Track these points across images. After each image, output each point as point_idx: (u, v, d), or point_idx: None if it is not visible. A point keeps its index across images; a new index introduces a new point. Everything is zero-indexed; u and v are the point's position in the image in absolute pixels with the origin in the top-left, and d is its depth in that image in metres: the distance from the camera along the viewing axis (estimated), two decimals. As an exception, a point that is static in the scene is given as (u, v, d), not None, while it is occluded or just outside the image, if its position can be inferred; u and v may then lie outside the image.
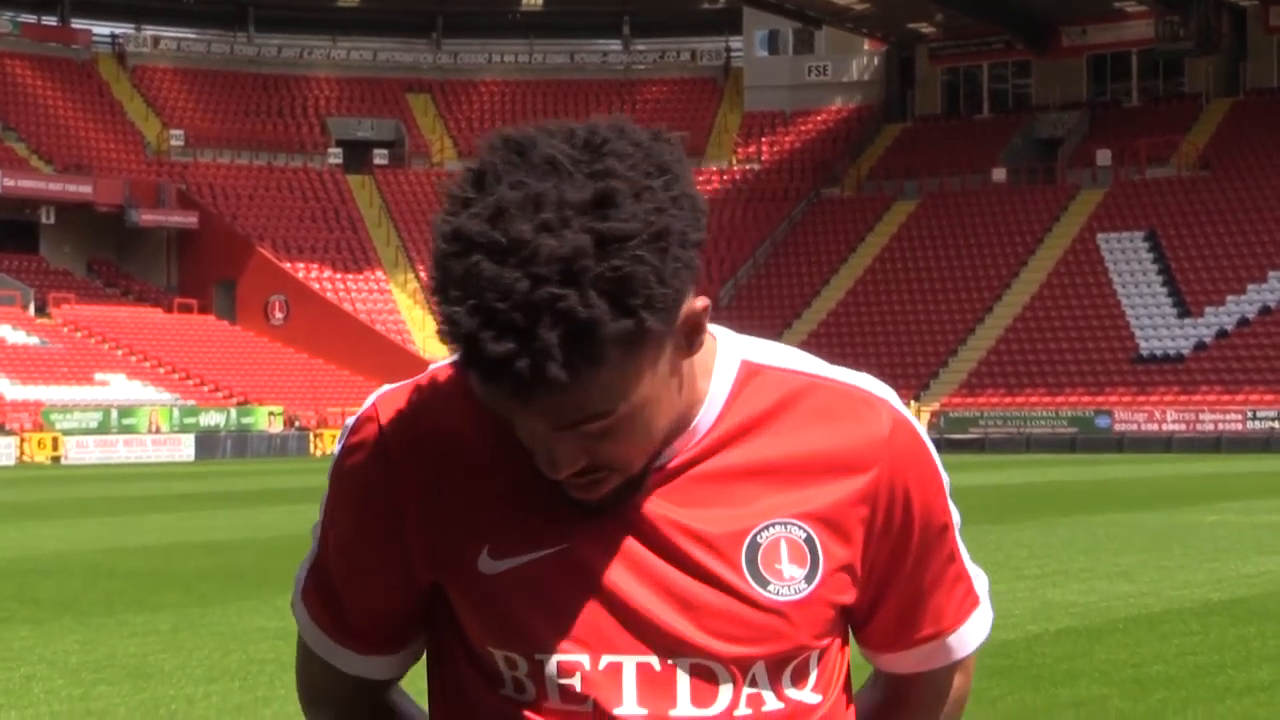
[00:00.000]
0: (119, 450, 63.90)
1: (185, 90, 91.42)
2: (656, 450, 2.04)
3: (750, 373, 2.12)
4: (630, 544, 2.06)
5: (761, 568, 2.07)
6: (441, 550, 2.10)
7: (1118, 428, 66.49)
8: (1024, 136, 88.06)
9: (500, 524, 2.08)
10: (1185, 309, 72.45)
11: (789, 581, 2.07)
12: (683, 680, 2.06)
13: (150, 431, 65.93)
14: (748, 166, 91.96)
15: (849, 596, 2.13)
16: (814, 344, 76.83)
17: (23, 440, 62.22)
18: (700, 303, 1.98)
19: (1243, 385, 67.25)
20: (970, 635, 2.28)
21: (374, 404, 2.16)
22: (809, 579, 2.08)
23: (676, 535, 2.06)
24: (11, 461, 60.48)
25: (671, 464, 2.07)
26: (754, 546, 2.07)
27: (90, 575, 18.96)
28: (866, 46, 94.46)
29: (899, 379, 73.26)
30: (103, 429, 65.13)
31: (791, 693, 2.10)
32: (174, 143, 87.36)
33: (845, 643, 2.20)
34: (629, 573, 2.05)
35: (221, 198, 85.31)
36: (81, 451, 62.91)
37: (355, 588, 2.18)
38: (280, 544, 22.66)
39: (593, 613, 2.05)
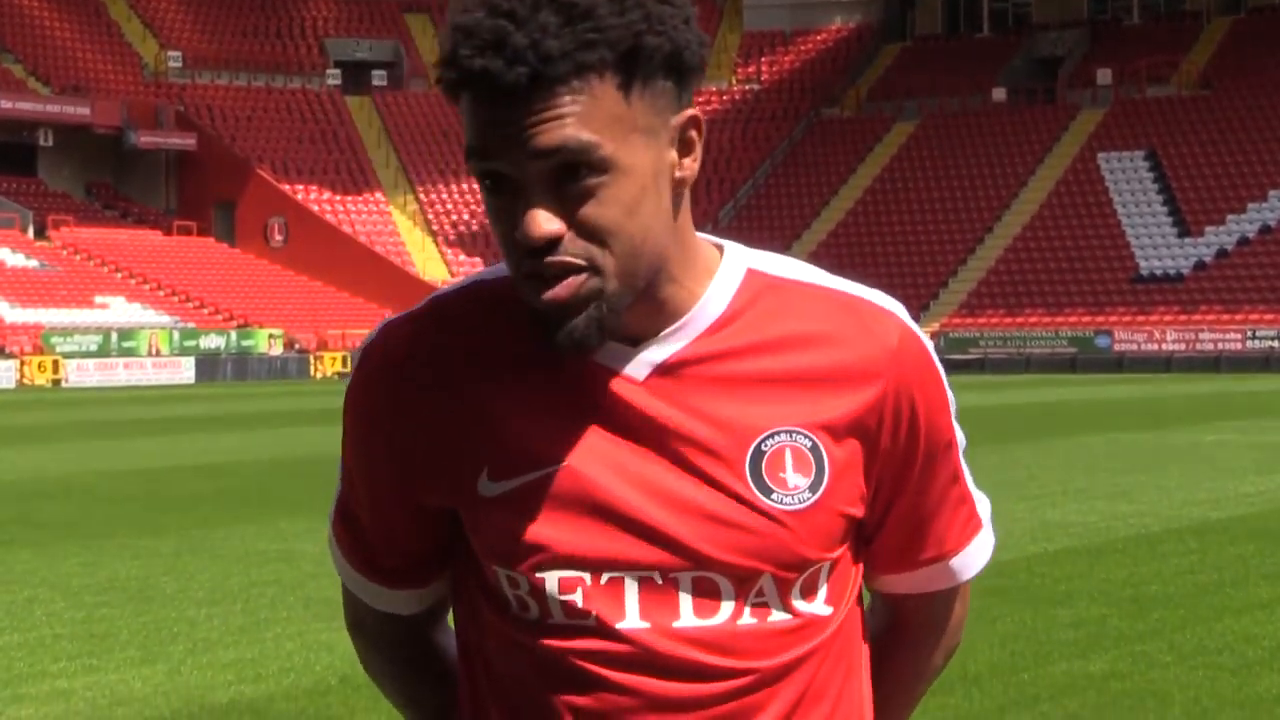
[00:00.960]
0: (119, 373, 63.93)
1: (182, 11, 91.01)
2: (642, 266, 2.02)
3: (756, 280, 2.13)
4: (630, 456, 2.06)
5: (766, 476, 2.06)
6: (445, 473, 2.12)
7: (1117, 347, 66.51)
8: (1024, 56, 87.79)
9: (499, 445, 2.08)
10: (1185, 228, 72.37)
11: (793, 490, 2.06)
12: (685, 592, 2.06)
13: (150, 354, 65.93)
14: (747, 86, 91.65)
15: (856, 509, 2.12)
16: (814, 265, 76.74)
17: (23, 363, 62.24)
18: (692, 111, 2.04)
19: (1242, 305, 67.25)
20: (973, 558, 2.28)
21: (376, 334, 2.18)
22: (814, 488, 2.07)
23: (679, 443, 2.06)
24: (12, 385, 60.52)
25: (670, 359, 2.07)
26: (759, 454, 2.06)
27: (91, 498, 19.01)
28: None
29: (899, 299, 73.03)
30: (103, 352, 65.13)
31: (801, 605, 2.10)
32: (171, 64, 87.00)
33: (857, 558, 2.19)
34: (629, 486, 2.05)
35: (220, 119, 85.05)
36: (82, 374, 62.94)
37: (374, 519, 2.21)
38: (281, 467, 22.72)
39: (592, 529, 2.05)
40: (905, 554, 2.22)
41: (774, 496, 2.06)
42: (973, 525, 2.27)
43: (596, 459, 2.06)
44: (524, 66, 1.93)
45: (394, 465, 2.15)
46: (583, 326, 2.00)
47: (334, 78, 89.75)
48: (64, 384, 62.12)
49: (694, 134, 2.05)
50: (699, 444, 2.06)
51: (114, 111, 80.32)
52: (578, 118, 1.95)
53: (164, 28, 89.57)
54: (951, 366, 66.49)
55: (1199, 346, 65.23)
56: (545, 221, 1.97)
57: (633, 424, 2.06)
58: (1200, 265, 70.27)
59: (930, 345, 2.18)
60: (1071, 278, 71.89)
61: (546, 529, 2.06)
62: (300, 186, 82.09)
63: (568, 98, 1.95)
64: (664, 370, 2.07)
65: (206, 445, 27.34)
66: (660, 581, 2.06)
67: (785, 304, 2.12)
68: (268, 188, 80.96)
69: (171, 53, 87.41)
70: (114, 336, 65.87)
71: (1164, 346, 65.75)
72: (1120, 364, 64.60)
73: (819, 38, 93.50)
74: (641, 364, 2.07)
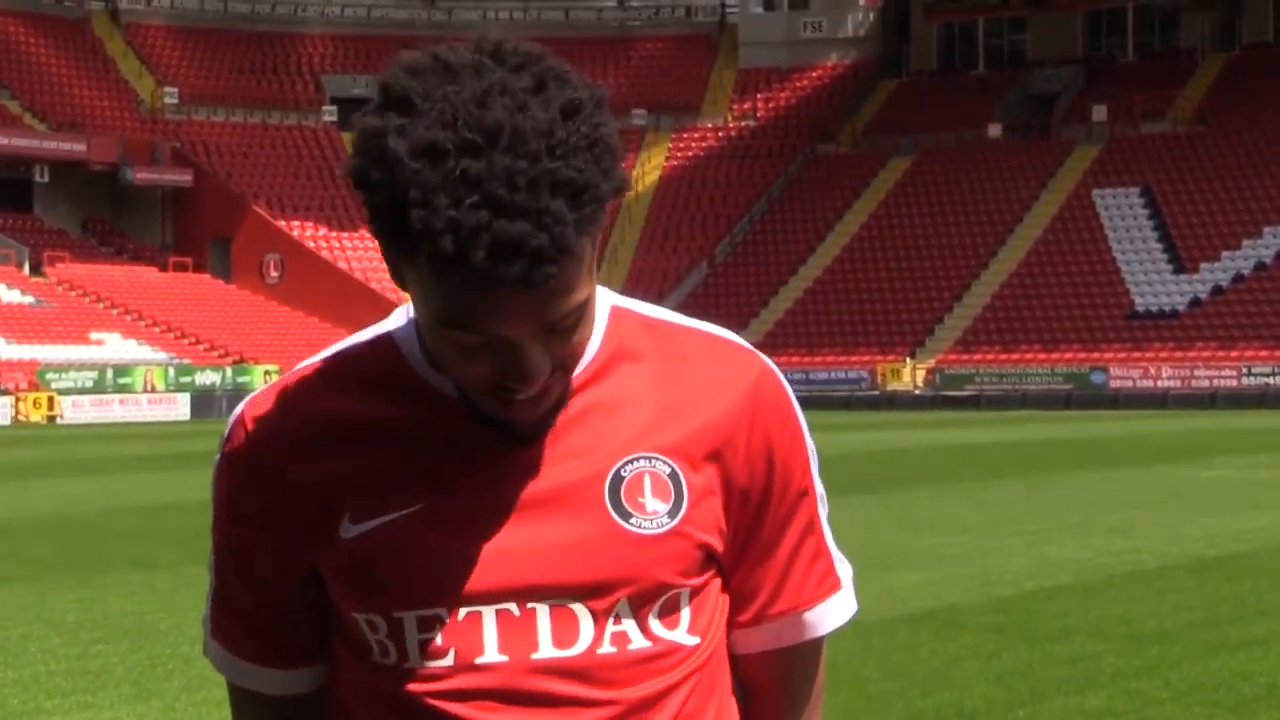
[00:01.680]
0: (114, 409, 63.90)
1: (179, 48, 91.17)
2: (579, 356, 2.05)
3: (620, 316, 2.15)
4: (489, 492, 2.06)
5: (625, 500, 2.06)
6: (310, 526, 2.10)
7: (1113, 384, 66.51)
8: (1019, 92, 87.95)
9: (360, 493, 2.08)
10: (1180, 265, 72.43)
11: (651, 515, 2.07)
12: (543, 622, 2.05)
13: (145, 391, 65.90)
14: (743, 123, 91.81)
15: (714, 539, 2.11)
16: (809, 301, 76.85)
17: (18, 400, 62.20)
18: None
19: (1237, 341, 67.27)
20: (827, 616, 2.23)
21: (239, 410, 2.18)
22: (672, 514, 2.07)
23: (540, 476, 2.06)
24: (7, 421, 60.47)
25: None
26: (618, 479, 2.07)
27: (87, 534, 18.98)
28: (862, 2, 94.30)
29: (894, 336, 73.30)
30: (98, 388, 65.10)
31: (661, 632, 2.09)
32: (168, 100, 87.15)
33: (725, 589, 2.18)
34: (486, 521, 2.05)
35: (216, 156, 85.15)
36: (77, 411, 62.90)
37: (257, 597, 2.19)
38: (276, 502, 22.66)
39: (449, 566, 2.05)
40: (756, 603, 2.20)
41: (633, 521, 2.06)
42: (829, 583, 2.23)
43: (455, 498, 2.06)
44: (551, 265, 1.87)
45: (267, 532, 2.13)
46: (540, 423, 2.05)
47: (330, 114, 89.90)
48: (59, 420, 62.07)
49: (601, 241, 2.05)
50: (559, 474, 2.06)
51: (110, 148, 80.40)
52: (580, 282, 1.94)
53: (160, 64, 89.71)
54: (947, 403, 66.60)
55: (1194, 383, 65.23)
56: (542, 370, 1.97)
57: (494, 463, 2.07)
58: (1195, 302, 70.31)
59: (790, 392, 2.19)
60: (1067, 314, 71.92)
61: (403, 568, 2.06)
62: (296, 222, 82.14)
63: (573, 269, 1.92)
64: None
65: (201, 481, 27.12)
66: (518, 613, 2.05)
67: (649, 342, 2.14)
68: (264, 224, 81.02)
69: (168, 89, 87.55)
70: (109, 373, 65.83)
71: (1159, 383, 65.75)
72: (1116, 400, 64.59)
73: (814, 74, 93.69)
74: None
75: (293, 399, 2.14)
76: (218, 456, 2.18)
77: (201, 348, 72.38)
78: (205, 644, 2.28)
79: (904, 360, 70.71)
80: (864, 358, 71.69)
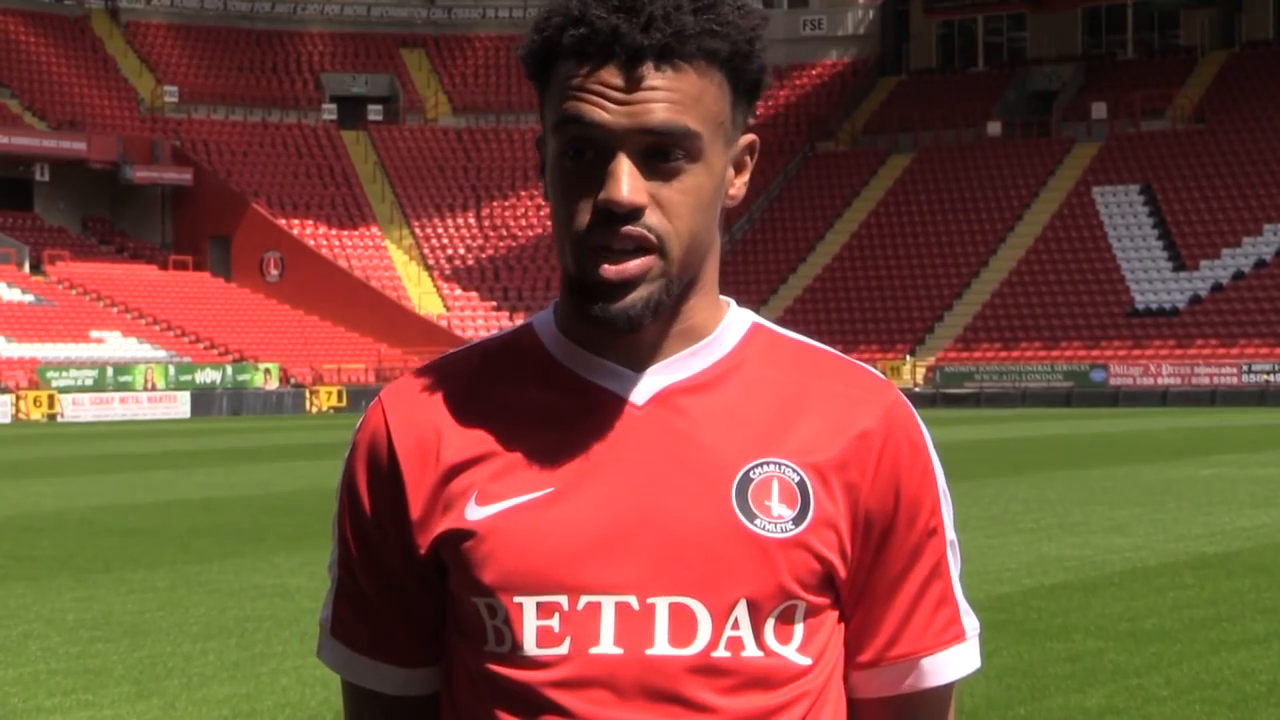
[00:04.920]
0: (115, 408, 63.88)
1: (179, 46, 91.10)
2: (691, 257, 2.07)
3: (762, 332, 2.18)
4: (618, 482, 2.07)
5: (751, 502, 2.06)
6: (438, 508, 2.11)
7: (1113, 381, 66.50)
8: (1019, 90, 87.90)
9: (489, 475, 2.10)
10: (1180, 262, 72.42)
11: (777, 520, 2.06)
12: (661, 618, 2.05)
13: (146, 389, 65.88)
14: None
15: (835, 558, 2.09)
16: (809, 298, 76.86)
17: (18, 398, 62.18)
18: (752, 135, 2.13)
19: (1238, 339, 67.27)
20: (947, 665, 2.18)
21: (377, 398, 2.21)
22: (797, 521, 2.06)
23: (669, 469, 2.07)
24: (7, 419, 60.46)
25: (673, 386, 2.10)
26: (746, 480, 2.07)
27: (87, 533, 18.98)
28: (861, 0, 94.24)
29: (894, 334, 73.30)
30: (98, 386, 65.09)
31: (774, 645, 2.07)
32: (168, 99, 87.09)
33: (841, 619, 2.15)
34: (613, 511, 2.06)
35: (216, 154, 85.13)
36: (77, 409, 62.89)
37: (379, 584, 2.18)
38: (276, 501, 22.69)
39: (573, 554, 2.05)
40: (876, 644, 2.16)
41: (758, 523, 2.06)
42: (953, 631, 2.18)
43: (583, 485, 2.07)
44: (659, 34, 1.99)
45: (395, 515, 2.14)
46: (641, 305, 2.04)
47: (330, 112, 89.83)
48: (59, 418, 62.06)
49: (748, 159, 2.15)
50: (688, 470, 2.07)
51: (110, 146, 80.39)
52: (691, 101, 2.01)
53: (160, 63, 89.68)
54: (947, 401, 66.49)
55: (1194, 380, 65.23)
56: (635, 189, 2.01)
57: (625, 450, 2.08)
58: (1195, 299, 70.31)
59: (925, 430, 2.18)
60: (1067, 311, 71.91)
61: (526, 553, 2.06)
62: (296, 221, 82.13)
63: (689, 78, 2.01)
64: (665, 397, 2.10)
65: (202, 480, 27.31)
66: (637, 606, 2.05)
67: (787, 356, 2.16)
68: (263, 222, 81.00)
69: (168, 88, 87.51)
70: (110, 371, 65.83)
71: (1159, 380, 65.75)
72: (1116, 398, 64.59)
73: (814, 72, 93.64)
74: (643, 390, 2.10)
75: (429, 384, 2.17)
76: (351, 442, 2.20)
77: (201, 346, 72.38)
78: (320, 646, 2.26)
79: (904, 358, 70.70)
80: (864, 355, 71.58)
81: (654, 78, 2.00)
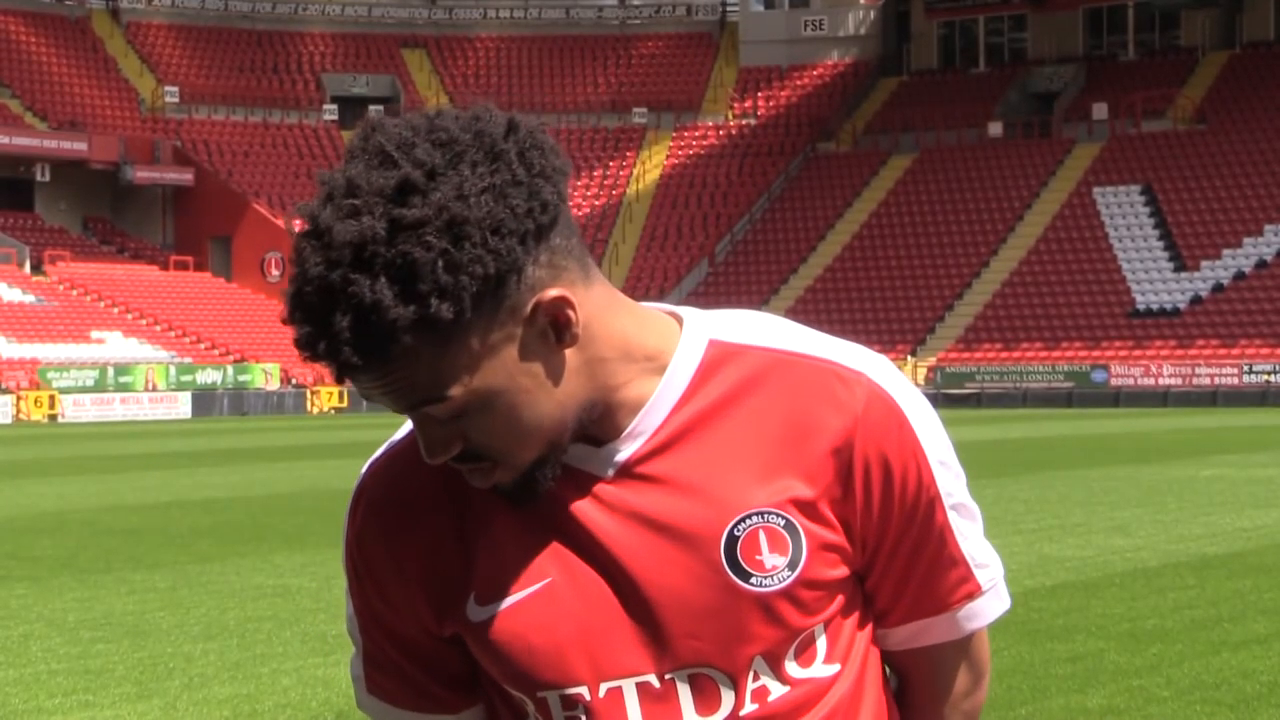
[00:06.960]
0: (116, 408, 63.91)
1: (179, 47, 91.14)
2: (548, 441, 1.99)
3: (718, 351, 2.08)
4: (609, 562, 2.04)
5: (742, 560, 2.03)
6: (441, 602, 2.11)
7: (1114, 382, 66.50)
8: (1020, 90, 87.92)
9: (484, 570, 2.07)
10: (1181, 263, 72.40)
11: (771, 571, 2.03)
12: (684, 692, 2.05)
13: (147, 389, 65.90)
14: (743, 121, 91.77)
15: (840, 571, 2.08)
16: (810, 299, 76.83)
17: (19, 399, 62.20)
18: (554, 293, 1.93)
19: (1238, 339, 67.26)
20: (967, 619, 2.22)
21: (362, 477, 2.18)
22: (792, 566, 2.04)
23: (655, 538, 2.03)
24: (8, 420, 60.47)
25: (635, 454, 2.04)
26: (732, 540, 2.03)
27: (88, 533, 18.97)
28: (862, 0, 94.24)
29: (895, 334, 73.28)
30: (99, 387, 65.11)
31: (799, 673, 2.08)
32: (168, 99, 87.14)
33: (863, 610, 2.15)
34: (613, 594, 2.04)
35: (216, 154, 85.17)
36: (78, 410, 62.90)
37: (408, 653, 2.18)
38: (277, 501, 22.68)
39: (583, 643, 2.04)
40: (891, 611, 2.17)
41: (753, 580, 2.03)
42: (965, 589, 2.19)
43: (576, 571, 2.05)
44: (355, 356, 1.92)
45: (401, 603, 2.14)
46: (518, 490, 2.02)
47: (331, 113, 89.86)
48: (60, 419, 62.08)
49: (559, 312, 1.95)
50: (674, 536, 2.03)
51: (111, 147, 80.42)
52: (423, 379, 1.92)
53: (161, 63, 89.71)
54: (948, 401, 66.34)
55: (1195, 381, 65.23)
56: (438, 449, 1.98)
57: (607, 527, 2.04)
58: (1196, 300, 70.29)
59: (906, 399, 2.10)
60: (1068, 312, 71.91)
61: (538, 650, 2.05)
62: (297, 221, 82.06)
63: (402, 365, 1.91)
64: (630, 465, 2.05)
65: (203, 480, 27.30)
66: (658, 685, 2.05)
67: (749, 375, 2.07)
68: (264, 222, 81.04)
69: (169, 88, 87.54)
70: (110, 371, 65.84)
71: (1160, 381, 65.74)
72: (1117, 398, 64.59)
73: (815, 73, 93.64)
74: (607, 463, 2.05)
75: (411, 467, 2.12)
76: (346, 527, 2.18)
77: (203, 346, 72.38)
78: (359, 699, 2.26)
79: (905, 358, 70.66)
80: (865, 356, 71.56)
81: (370, 381, 1.93)
